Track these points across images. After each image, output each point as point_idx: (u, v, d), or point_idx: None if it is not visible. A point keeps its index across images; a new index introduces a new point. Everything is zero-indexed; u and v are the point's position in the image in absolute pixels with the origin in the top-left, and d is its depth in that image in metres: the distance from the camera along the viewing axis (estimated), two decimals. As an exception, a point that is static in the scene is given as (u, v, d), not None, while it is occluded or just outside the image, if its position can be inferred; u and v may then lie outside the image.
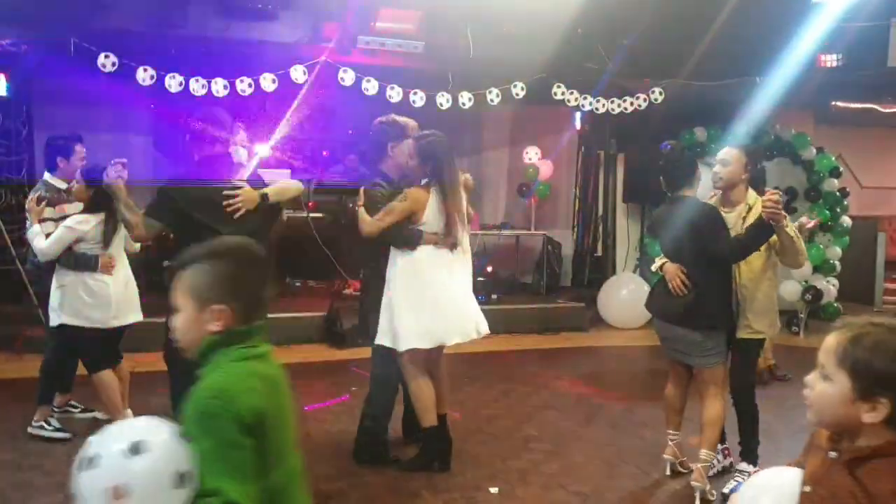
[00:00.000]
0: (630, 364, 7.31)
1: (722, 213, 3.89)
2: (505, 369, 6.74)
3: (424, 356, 4.12)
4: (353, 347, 6.94)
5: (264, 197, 3.64)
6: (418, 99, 7.46)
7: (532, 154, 9.47)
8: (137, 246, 4.78)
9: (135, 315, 4.67)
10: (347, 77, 7.20)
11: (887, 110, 10.84)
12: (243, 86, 6.93)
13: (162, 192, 3.61)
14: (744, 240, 3.74)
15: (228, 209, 3.51)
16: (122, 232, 4.42)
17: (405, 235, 4.08)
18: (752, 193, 4.00)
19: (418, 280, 4.06)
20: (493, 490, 4.00)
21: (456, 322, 4.12)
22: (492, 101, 7.73)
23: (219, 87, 6.86)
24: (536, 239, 9.74)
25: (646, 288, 8.56)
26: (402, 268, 4.09)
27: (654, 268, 4.13)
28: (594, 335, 8.41)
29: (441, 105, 7.50)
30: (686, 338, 3.92)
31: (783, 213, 3.59)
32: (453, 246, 4.14)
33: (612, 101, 8.16)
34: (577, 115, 9.37)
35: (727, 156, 3.97)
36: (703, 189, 4.18)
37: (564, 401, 5.79)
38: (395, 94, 7.38)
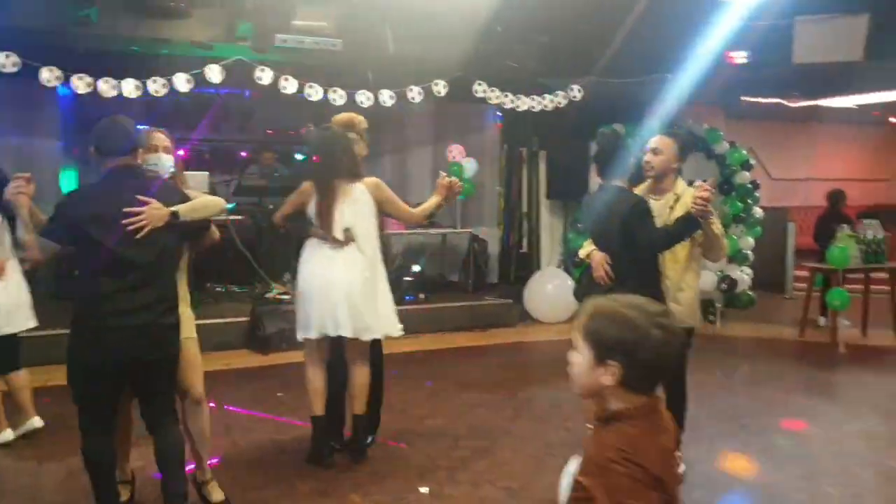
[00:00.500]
0: (557, 357, 7.33)
1: (651, 200, 3.91)
2: (433, 368, 6.73)
3: (315, 346, 4.27)
4: (278, 352, 6.83)
5: (174, 214, 3.22)
6: (338, 97, 7.37)
7: (456, 152, 9.48)
8: None
9: (26, 321, 4.56)
10: (265, 76, 7.06)
11: (793, 105, 11.31)
12: (156, 86, 6.71)
13: (58, 209, 3.19)
14: (670, 232, 3.77)
15: (129, 228, 3.10)
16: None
17: (294, 228, 4.36)
18: (680, 183, 4.04)
19: (300, 272, 4.28)
20: (423, 490, 3.99)
21: (311, 316, 4.20)
22: (413, 98, 7.70)
23: (130, 87, 6.63)
24: (463, 237, 9.77)
25: (569, 283, 8.73)
26: (300, 257, 4.33)
27: (581, 254, 4.13)
28: (521, 331, 8.49)
29: (362, 103, 7.42)
30: None
31: (710, 209, 3.63)
32: (335, 241, 4.16)
33: (533, 99, 8.25)
34: (497, 112, 9.44)
35: (659, 144, 3.98)
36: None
37: (493, 397, 5.82)
38: (314, 92, 7.28)
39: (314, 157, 4.35)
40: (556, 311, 8.74)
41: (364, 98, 7.47)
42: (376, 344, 4.42)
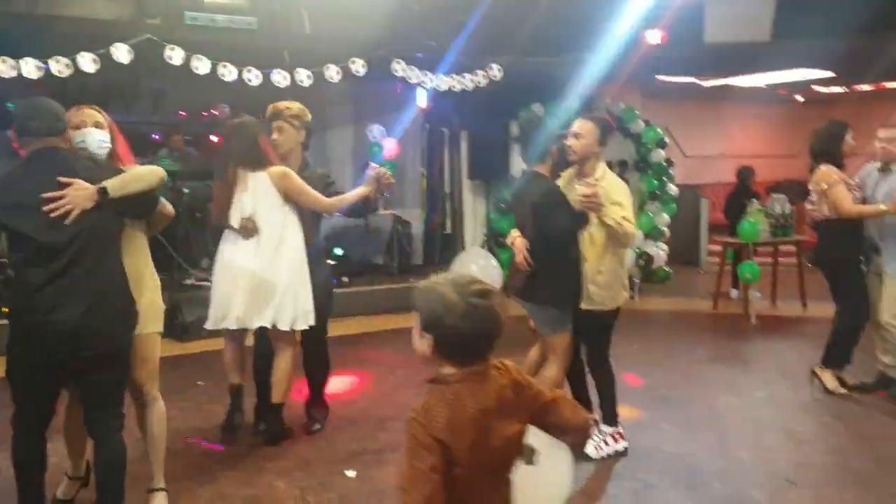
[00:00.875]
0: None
1: (576, 185, 3.92)
2: (359, 352, 6.69)
3: (228, 334, 4.31)
4: (198, 339, 6.66)
5: (102, 192, 2.93)
6: (253, 77, 7.17)
7: (376, 132, 9.39)
8: None
9: None
10: (175, 55, 6.81)
11: (706, 84, 11.62)
12: (59, 66, 6.39)
13: None
14: (565, 225, 3.87)
15: (53, 215, 2.84)
16: None
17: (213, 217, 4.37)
18: (601, 167, 4.08)
19: (215, 261, 4.30)
20: (350, 474, 3.96)
21: (214, 307, 4.22)
22: (331, 78, 7.57)
23: (30, 67, 6.29)
24: (385, 219, 9.70)
25: (494, 262, 8.80)
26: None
27: (508, 241, 4.20)
28: (445, 311, 8.49)
29: (278, 83, 7.26)
30: (531, 310, 4.06)
31: (600, 202, 3.71)
32: (245, 231, 4.12)
33: (453, 78, 8.22)
34: (422, 92, 9.38)
35: (581, 129, 4.00)
36: None
37: (419, 377, 5.79)
38: (227, 72, 7.06)
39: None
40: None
41: (280, 78, 7.30)
42: (315, 333, 4.42)
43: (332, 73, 7.55)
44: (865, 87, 12.54)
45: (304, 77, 7.43)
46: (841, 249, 5.17)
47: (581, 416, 2.10)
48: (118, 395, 3.13)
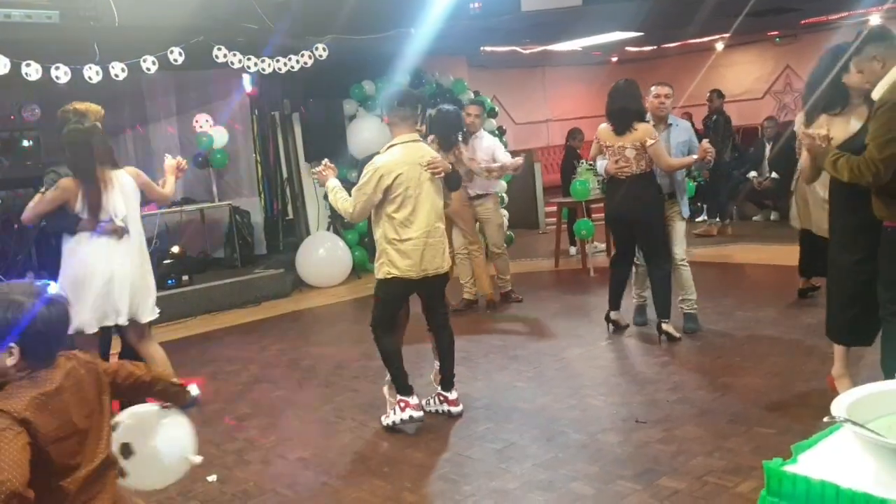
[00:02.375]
0: (336, 321, 7.40)
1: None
2: (207, 351, 6.46)
3: (88, 337, 4.25)
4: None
5: None
6: (62, 74, 6.67)
7: (203, 122, 9.03)
8: None
9: None
10: (-32, 55, 6.21)
11: (527, 51, 11.99)
12: None
13: None
14: None
15: None
16: None
17: (61, 222, 4.33)
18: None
19: (71, 266, 4.30)
20: (211, 478, 3.83)
21: (92, 308, 4.25)
22: (148, 69, 7.17)
23: None
24: (222, 210, 9.38)
25: (342, 244, 8.74)
26: (64, 253, 4.35)
27: None
28: (296, 299, 8.38)
29: (90, 78, 6.79)
30: None
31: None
32: (114, 233, 4.32)
33: (278, 61, 8.02)
34: (247, 77, 9.09)
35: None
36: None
37: (274, 371, 5.72)
38: (32, 70, 6.53)
39: (69, 152, 4.34)
40: (329, 275, 8.73)
41: (93, 73, 6.84)
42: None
43: (149, 63, 7.16)
44: (672, 45, 13.39)
45: (118, 70, 7.00)
46: (656, 204, 5.48)
47: (154, 373, 2.52)
48: None
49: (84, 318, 4.18)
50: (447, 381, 4.44)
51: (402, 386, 4.30)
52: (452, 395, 4.42)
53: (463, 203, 6.73)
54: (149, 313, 4.47)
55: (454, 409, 4.39)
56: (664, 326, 5.44)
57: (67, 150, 4.32)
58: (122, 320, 4.33)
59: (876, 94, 3.37)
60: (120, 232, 4.33)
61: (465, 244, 6.98)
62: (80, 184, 4.26)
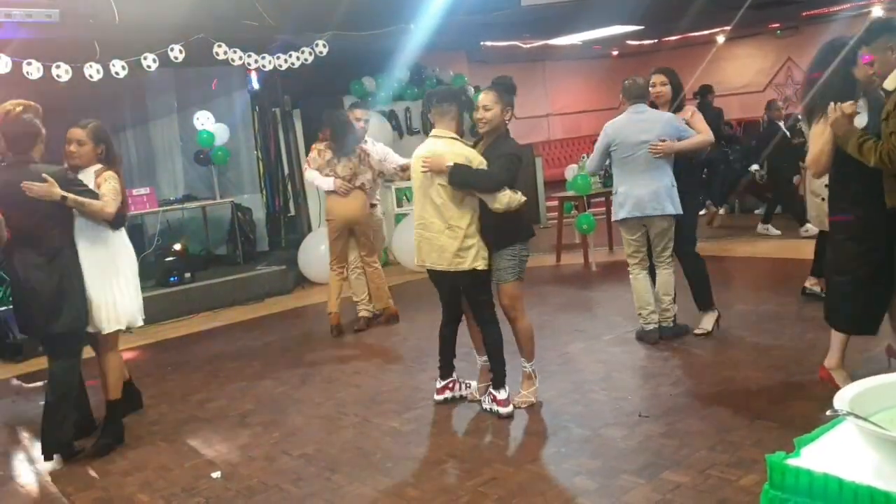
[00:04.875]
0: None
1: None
2: (210, 348, 6.47)
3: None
4: (34, 357, 6.20)
5: None
6: (63, 73, 6.70)
7: (204, 119, 9.03)
8: None
9: None
10: (-30, 55, 6.22)
11: (527, 46, 11.99)
12: None
13: None
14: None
15: None
16: None
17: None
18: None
19: None
20: (216, 475, 3.84)
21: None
22: (149, 67, 7.18)
23: None
24: (224, 207, 9.38)
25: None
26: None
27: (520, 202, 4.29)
28: (299, 296, 8.39)
29: (91, 77, 6.81)
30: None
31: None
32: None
33: (278, 58, 8.02)
34: (253, 75, 9.09)
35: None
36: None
37: (277, 367, 5.72)
38: (33, 70, 6.55)
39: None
40: (331, 271, 8.71)
41: (94, 71, 6.86)
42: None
43: (150, 61, 7.17)
44: (673, 38, 13.38)
45: (119, 68, 7.01)
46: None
47: None
48: None
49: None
50: (494, 380, 4.37)
51: (440, 370, 4.52)
52: (501, 395, 4.30)
53: (367, 212, 6.36)
54: (110, 324, 4.22)
55: (502, 410, 4.26)
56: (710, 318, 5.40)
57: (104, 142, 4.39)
58: (109, 327, 4.21)
59: (889, 84, 3.37)
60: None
61: (361, 257, 6.45)
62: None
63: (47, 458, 4.08)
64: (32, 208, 3.89)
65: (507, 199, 4.11)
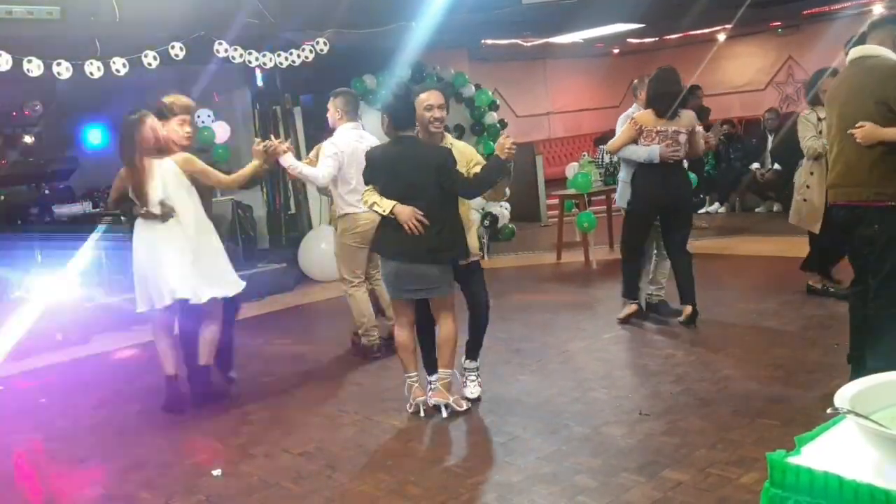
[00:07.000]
0: (339, 315, 7.37)
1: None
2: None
3: (158, 314, 4.67)
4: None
5: None
6: (63, 70, 6.69)
7: (204, 116, 9.02)
8: None
9: None
10: (-31, 52, 6.21)
11: (528, 44, 11.96)
12: None
13: None
14: (483, 177, 4.11)
15: None
16: None
17: (125, 210, 4.72)
18: (448, 136, 4.39)
19: (134, 250, 4.63)
20: (216, 472, 3.84)
21: (141, 290, 4.63)
22: (149, 64, 7.17)
23: None
24: (224, 205, 9.35)
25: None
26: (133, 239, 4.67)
27: (384, 211, 4.08)
28: (300, 293, 8.39)
29: (92, 74, 6.80)
30: (428, 273, 4.11)
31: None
32: (162, 217, 4.52)
33: (279, 55, 8.01)
34: (257, 72, 9.09)
35: (442, 100, 4.24)
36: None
37: (278, 365, 5.72)
38: (34, 66, 6.54)
39: (117, 141, 4.76)
40: (332, 269, 8.68)
41: (94, 69, 6.85)
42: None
43: (150, 59, 7.16)
44: (674, 36, 13.35)
45: (119, 66, 7.01)
46: (690, 188, 5.81)
47: None
48: None
49: (139, 298, 4.63)
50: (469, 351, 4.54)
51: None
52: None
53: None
54: (210, 293, 4.59)
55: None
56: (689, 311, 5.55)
57: (119, 139, 4.69)
58: (166, 301, 4.52)
59: None
60: (159, 217, 4.50)
61: (368, 272, 5.87)
62: (128, 172, 4.57)
63: None
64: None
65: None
